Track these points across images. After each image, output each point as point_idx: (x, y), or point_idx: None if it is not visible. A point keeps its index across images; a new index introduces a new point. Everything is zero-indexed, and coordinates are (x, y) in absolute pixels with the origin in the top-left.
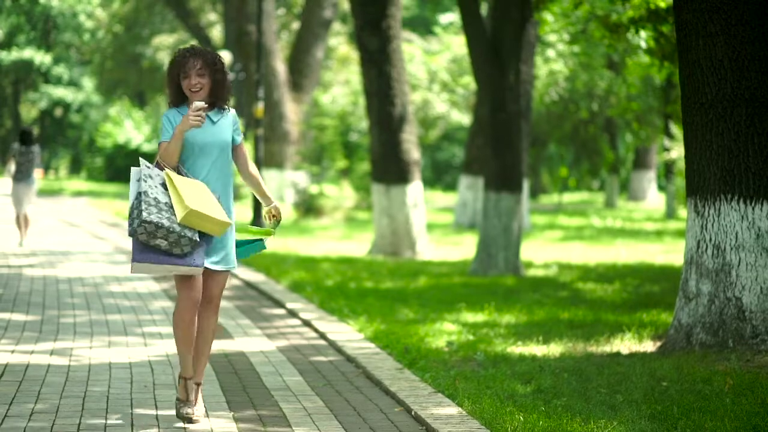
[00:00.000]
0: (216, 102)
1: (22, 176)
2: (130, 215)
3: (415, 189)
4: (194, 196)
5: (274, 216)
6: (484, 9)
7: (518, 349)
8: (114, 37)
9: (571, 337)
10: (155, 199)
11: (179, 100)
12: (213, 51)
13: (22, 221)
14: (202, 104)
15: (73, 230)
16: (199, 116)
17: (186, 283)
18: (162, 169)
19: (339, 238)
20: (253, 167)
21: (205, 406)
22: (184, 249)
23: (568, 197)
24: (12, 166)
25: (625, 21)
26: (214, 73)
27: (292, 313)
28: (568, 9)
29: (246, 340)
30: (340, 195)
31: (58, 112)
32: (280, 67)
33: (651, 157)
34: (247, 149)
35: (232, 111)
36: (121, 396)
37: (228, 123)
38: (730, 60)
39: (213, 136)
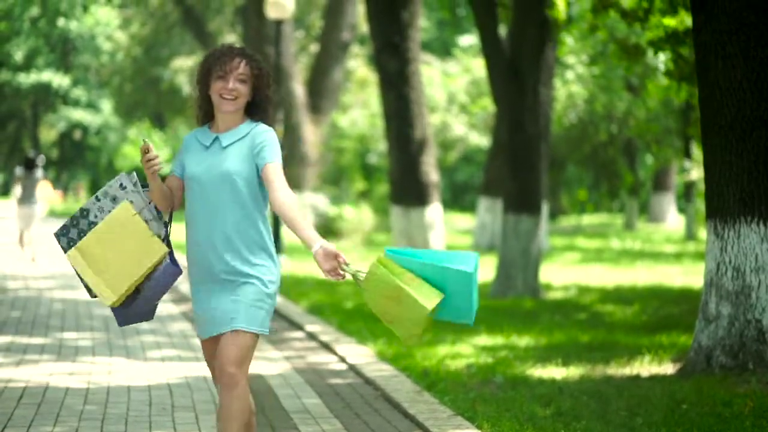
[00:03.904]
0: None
1: (25, 199)
2: None
3: (434, 211)
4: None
5: (334, 270)
6: (503, 30)
7: (537, 371)
8: (133, 59)
9: (590, 359)
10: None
11: (208, 113)
12: (261, 59)
13: (26, 241)
14: (147, 142)
15: None
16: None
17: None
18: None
19: (358, 260)
20: (283, 194)
21: None
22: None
23: (588, 219)
24: (17, 190)
25: (643, 43)
26: (258, 87)
27: (311, 336)
28: (585, 31)
29: (265, 363)
30: (359, 217)
31: (77, 134)
32: (299, 90)
33: (670, 179)
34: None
35: (259, 128)
36: (140, 418)
37: (244, 147)
38: (749, 81)
39: (214, 164)
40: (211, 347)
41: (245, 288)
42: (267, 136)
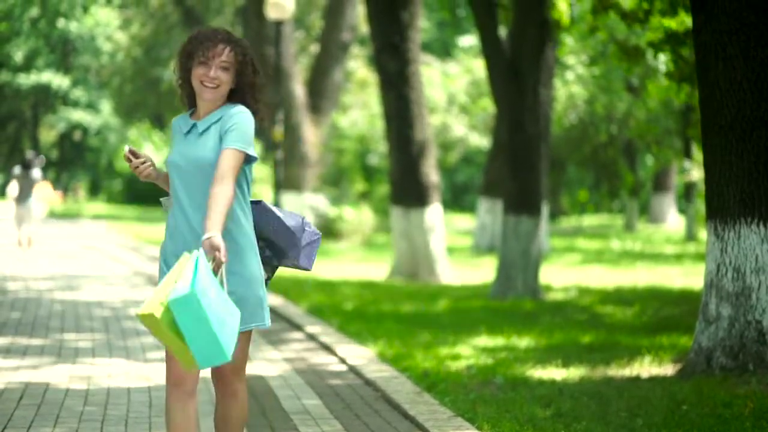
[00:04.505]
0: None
1: (22, 198)
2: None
3: (434, 212)
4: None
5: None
6: (503, 31)
7: (537, 372)
8: (133, 60)
9: (590, 360)
10: None
11: (191, 97)
12: (247, 44)
13: (24, 241)
14: (127, 149)
15: (91, 254)
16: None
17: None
18: None
19: (358, 261)
20: (219, 185)
21: None
22: None
23: (588, 220)
24: (14, 189)
25: (643, 44)
26: (242, 74)
27: (311, 337)
28: (585, 32)
29: (265, 364)
30: (360, 218)
31: (77, 135)
32: (299, 90)
33: (671, 180)
34: (265, 173)
35: (233, 109)
36: (140, 419)
37: (217, 132)
38: (749, 82)
39: (189, 152)
40: None
41: (234, 281)
42: (238, 119)
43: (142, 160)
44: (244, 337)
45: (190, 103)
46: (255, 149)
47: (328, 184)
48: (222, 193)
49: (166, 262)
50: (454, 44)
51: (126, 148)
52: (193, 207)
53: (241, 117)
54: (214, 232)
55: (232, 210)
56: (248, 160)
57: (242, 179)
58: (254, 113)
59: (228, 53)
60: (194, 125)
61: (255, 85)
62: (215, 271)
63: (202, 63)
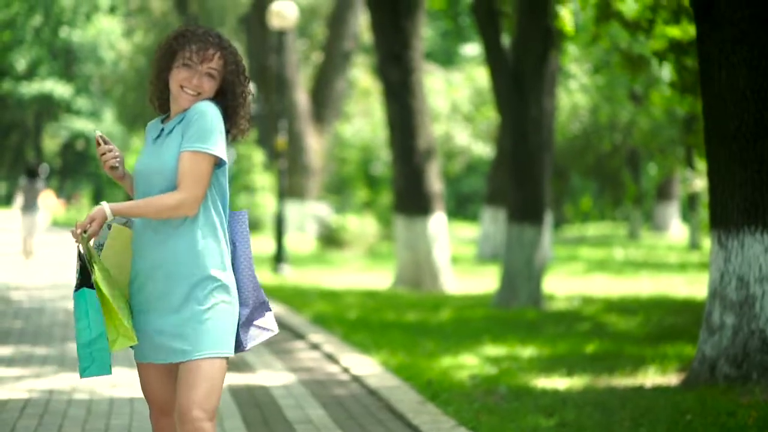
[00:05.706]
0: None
1: (27, 207)
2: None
3: (437, 221)
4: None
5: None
6: (506, 39)
7: (541, 382)
8: (136, 69)
9: (594, 370)
10: None
11: (164, 104)
12: (237, 51)
13: (27, 249)
14: (98, 134)
15: None
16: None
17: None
18: None
19: (361, 270)
20: (177, 191)
21: None
22: None
23: (591, 229)
24: (19, 199)
25: (647, 53)
26: (229, 83)
27: (315, 346)
28: (587, 41)
29: (268, 373)
30: (363, 227)
31: (80, 144)
32: (302, 99)
33: (674, 188)
34: (269, 181)
35: (197, 105)
36: (142, 429)
37: (179, 134)
38: (752, 91)
39: (153, 159)
40: (151, 372)
41: (199, 300)
42: (198, 114)
43: (110, 147)
44: (221, 361)
45: (161, 106)
46: (224, 150)
47: (331, 193)
48: (169, 197)
49: (132, 281)
50: (457, 53)
51: (97, 132)
52: (158, 221)
53: (202, 112)
54: (108, 205)
55: (195, 227)
56: (217, 163)
57: (213, 188)
58: (233, 125)
59: (218, 60)
60: (162, 130)
61: (241, 95)
62: (77, 240)
63: (186, 66)
